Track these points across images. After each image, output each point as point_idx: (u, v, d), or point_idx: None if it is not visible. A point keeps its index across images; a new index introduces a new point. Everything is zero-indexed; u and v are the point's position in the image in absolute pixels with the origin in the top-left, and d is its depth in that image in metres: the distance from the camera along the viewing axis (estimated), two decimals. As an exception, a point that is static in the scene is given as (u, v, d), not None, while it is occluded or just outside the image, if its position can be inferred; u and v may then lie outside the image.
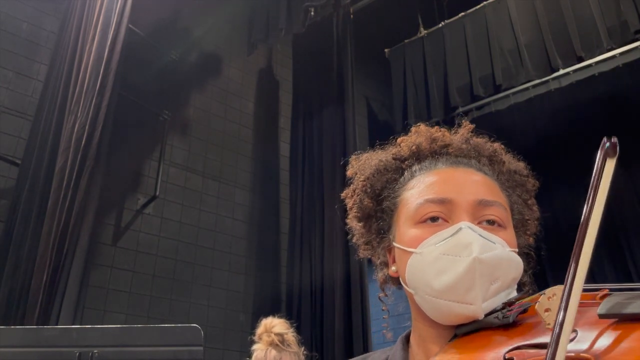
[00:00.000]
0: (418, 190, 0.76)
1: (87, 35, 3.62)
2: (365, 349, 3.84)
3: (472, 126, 0.87)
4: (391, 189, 0.81)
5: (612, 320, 0.51)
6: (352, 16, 5.19)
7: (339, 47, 5.02)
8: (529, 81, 4.73)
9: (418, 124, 0.88)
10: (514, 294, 0.70)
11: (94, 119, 3.21)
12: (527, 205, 0.83)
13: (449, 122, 0.90)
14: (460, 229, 0.69)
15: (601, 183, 0.48)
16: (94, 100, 3.25)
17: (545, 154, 5.03)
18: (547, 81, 4.87)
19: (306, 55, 5.31)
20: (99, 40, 3.48)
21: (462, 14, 5.02)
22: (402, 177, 0.82)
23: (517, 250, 0.73)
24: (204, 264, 4.52)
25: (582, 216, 0.48)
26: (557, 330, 0.46)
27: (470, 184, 0.75)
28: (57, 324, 2.72)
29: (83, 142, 3.15)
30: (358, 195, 0.84)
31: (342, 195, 0.89)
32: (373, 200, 0.83)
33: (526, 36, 4.53)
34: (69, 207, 3.02)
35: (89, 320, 3.60)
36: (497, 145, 0.85)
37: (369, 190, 0.83)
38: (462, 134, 0.85)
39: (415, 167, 0.81)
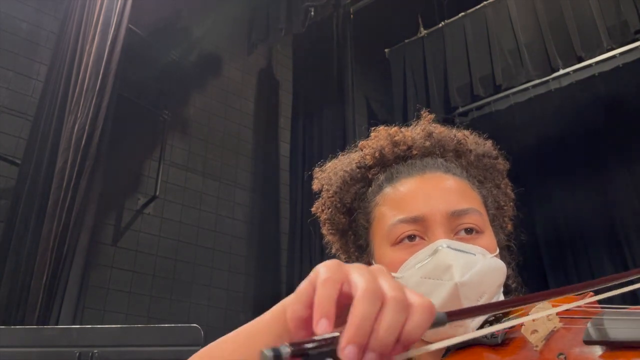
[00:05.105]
0: (389, 207, 0.74)
1: (87, 35, 3.62)
2: (365, 349, 3.84)
3: (432, 116, 0.85)
4: (361, 202, 0.79)
5: (600, 345, 0.51)
6: (352, 16, 5.18)
7: (339, 47, 5.02)
8: (529, 81, 4.73)
9: (377, 126, 0.85)
10: (501, 298, 0.69)
11: (94, 119, 3.21)
12: (500, 189, 0.82)
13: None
14: (439, 249, 0.67)
15: None
16: (94, 100, 3.25)
17: (545, 154, 5.03)
18: (547, 81, 4.87)
19: (306, 55, 5.31)
20: (99, 40, 3.47)
21: (462, 14, 5.01)
22: (370, 189, 0.79)
23: (497, 252, 0.72)
24: (204, 264, 4.52)
25: None
26: None
27: (441, 193, 0.72)
28: (57, 324, 2.72)
29: (83, 142, 3.15)
30: (330, 210, 0.82)
31: (313, 209, 0.87)
32: (345, 215, 0.81)
33: (526, 36, 4.53)
34: (69, 207, 3.01)
35: (89, 320, 3.60)
36: (460, 134, 0.83)
37: (339, 205, 0.81)
38: (423, 128, 0.82)
39: (382, 178, 0.78)
